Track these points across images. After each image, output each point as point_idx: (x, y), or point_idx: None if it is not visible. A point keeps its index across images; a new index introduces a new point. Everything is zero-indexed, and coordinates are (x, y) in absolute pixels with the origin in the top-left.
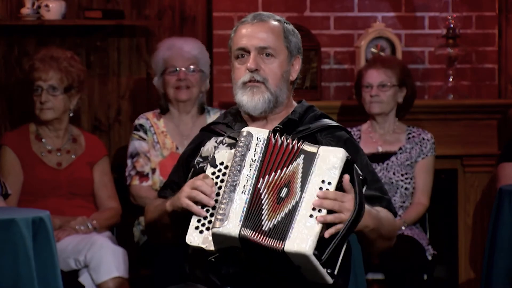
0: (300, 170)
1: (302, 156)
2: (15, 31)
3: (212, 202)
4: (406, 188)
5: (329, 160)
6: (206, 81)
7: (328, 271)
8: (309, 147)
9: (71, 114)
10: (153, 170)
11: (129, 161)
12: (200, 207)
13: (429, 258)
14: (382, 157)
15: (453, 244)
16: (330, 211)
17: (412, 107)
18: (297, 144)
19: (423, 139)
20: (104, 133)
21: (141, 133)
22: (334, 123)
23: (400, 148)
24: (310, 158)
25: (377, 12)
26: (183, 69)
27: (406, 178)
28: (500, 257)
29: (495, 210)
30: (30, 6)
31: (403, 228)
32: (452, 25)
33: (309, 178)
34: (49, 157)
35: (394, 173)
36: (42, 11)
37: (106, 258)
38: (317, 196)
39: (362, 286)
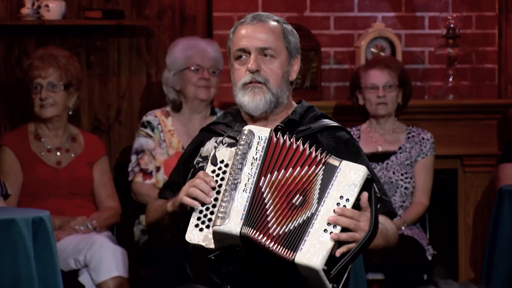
0: (319, 181)
1: (322, 167)
2: (15, 31)
3: (209, 199)
4: (406, 188)
5: (350, 176)
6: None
7: (334, 286)
8: (332, 159)
9: (70, 113)
10: (158, 169)
11: (133, 157)
12: (197, 203)
13: (429, 258)
14: (382, 156)
15: (453, 244)
16: (344, 229)
17: (407, 106)
18: (320, 154)
19: (423, 138)
20: (104, 133)
21: (148, 130)
22: (335, 124)
23: (400, 148)
24: (330, 171)
25: (377, 12)
26: (207, 69)
27: (406, 178)
28: (500, 257)
29: (495, 210)
30: (30, 6)
31: (403, 228)
32: (452, 25)
33: (327, 191)
34: (49, 157)
35: (394, 173)
36: (42, 11)
37: (106, 258)
38: (334, 212)
39: (362, 286)
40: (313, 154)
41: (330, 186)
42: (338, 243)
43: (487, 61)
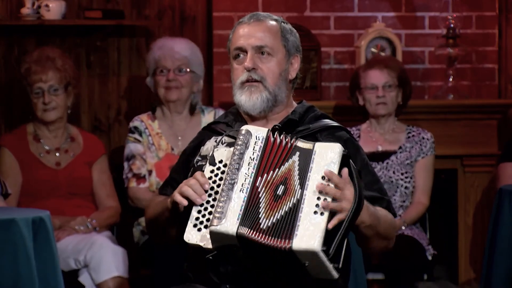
0: (297, 168)
1: (297, 154)
2: (15, 31)
3: (200, 201)
4: (406, 187)
5: (327, 156)
6: (199, 82)
7: (335, 266)
8: (303, 144)
9: (69, 111)
10: (149, 172)
11: (125, 164)
12: (186, 202)
13: (429, 258)
14: (382, 156)
15: (453, 244)
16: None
17: (407, 106)
18: (291, 141)
19: (423, 138)
20: (104, 133)
21: (136, 135)
22: (335, 123)
23: (400, 147)
24: (306, 155)
25: (377, 12)
26: (172, 69)
27: (406, 177)
28: (500, 257)
29: (495, 210)
30: (30, 6)
31: (403, 228)
32: (452, 25)
33: (308, 175)
34: (48, 158)
35: (394, 172)
36: (42, 11)
37: (106, 258)
38: (323, 175)
39: (362, 286)
40: (283, 142)
41: (309, 170)
42: (328, 220)
43: (487, 61)
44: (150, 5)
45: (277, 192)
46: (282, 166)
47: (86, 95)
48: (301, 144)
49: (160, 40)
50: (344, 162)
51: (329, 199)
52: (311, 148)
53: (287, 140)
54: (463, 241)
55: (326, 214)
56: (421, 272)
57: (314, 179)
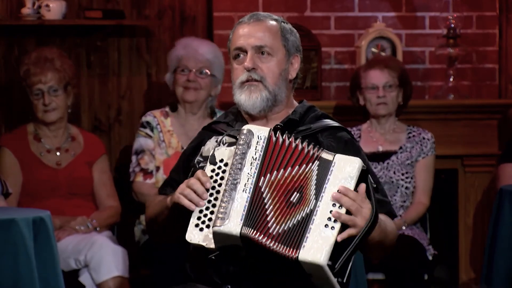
0: (314, 177)
1: (316, 163)
2: (15, 31)
3: (202, 203)
4: (406, 188)
5: (345, 170)
6: (218, 86)
7: (339, 280)
8: (325, 154)
9: (69, 111)
10: (157, 168)
11: (133, 158)
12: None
13: (430, 258)
14: (383, 156)
15: (453, 244)
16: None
17: (407, 106)
18: (313, 149)
19: (424, 138)
20: (104, 133)
21: (147, 130)
22: (335, 124)
23: (401, 147)
24: (325, 166)
25: (378, 12)
26: (194, 70)
27: (407, 178)
28: (500, 257)
29: (495, 210)
30: (30, 6)
31: (404, 228)
32: (452, 25)
33: (324, 186)
34: (49, 157)
35: (394, 172)
36: (42, 11)
37: (106, 258)
38: (338, 191)
39: (362, 286)
40: (305, 150)
41: (326, 181)
42: (338, 233)
43: (488, 61)
44: (150, 5)
45: (292, 199)
46: (292, 170)
47: (86, 95)
48: (323, 154)
49: (185, 39)
50: (362, 177)
51: (342, 211)
52: (331, 159)
53: (309, 147)
54: (463, 241)
55: (337, 228)
56: (421, 272)
57: (329, 191)
